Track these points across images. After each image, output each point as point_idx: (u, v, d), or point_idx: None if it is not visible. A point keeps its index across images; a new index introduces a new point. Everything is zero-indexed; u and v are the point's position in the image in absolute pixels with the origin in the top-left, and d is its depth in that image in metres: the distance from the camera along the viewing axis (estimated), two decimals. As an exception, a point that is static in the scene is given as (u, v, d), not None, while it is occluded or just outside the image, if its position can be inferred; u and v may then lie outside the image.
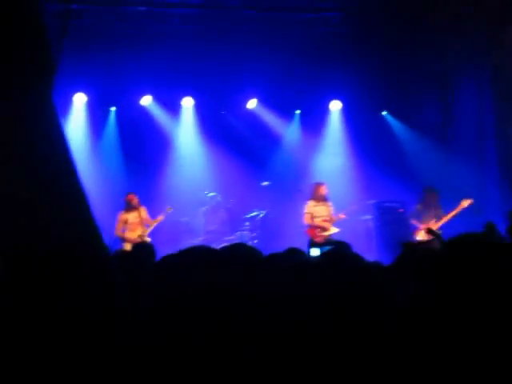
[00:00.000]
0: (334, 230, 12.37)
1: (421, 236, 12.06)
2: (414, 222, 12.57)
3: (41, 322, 1.03)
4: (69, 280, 1.04)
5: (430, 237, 11.70)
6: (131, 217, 12.02)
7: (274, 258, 3.73)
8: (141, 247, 5.88)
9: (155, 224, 12.27)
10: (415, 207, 12.81)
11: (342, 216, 12.57)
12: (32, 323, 1.00)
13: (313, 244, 11.96)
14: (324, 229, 12.29)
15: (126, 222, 11.94)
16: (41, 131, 1.10)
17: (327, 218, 12.34)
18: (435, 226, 12.01)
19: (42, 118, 1.13)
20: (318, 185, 12.51)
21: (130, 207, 12.07)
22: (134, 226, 12.01)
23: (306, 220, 12.31)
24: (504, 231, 8.22)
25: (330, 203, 12.52)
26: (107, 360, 1.09)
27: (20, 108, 1.11)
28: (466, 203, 12.13)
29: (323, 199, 12.41)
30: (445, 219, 12.10)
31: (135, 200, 12.09)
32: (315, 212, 12.34)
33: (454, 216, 12.13)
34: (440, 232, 11.41)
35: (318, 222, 12.29)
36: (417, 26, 13.70)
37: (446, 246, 2.57)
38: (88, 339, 1.06)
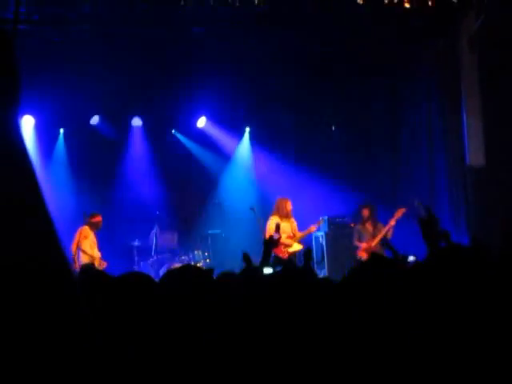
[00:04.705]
0: (298, 246, 12.11)
1: (363, 256, 11.93)
2: (356, 242, 12.46)
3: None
4: (28, 298, 1.01)
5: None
6: (92, 235, 12.18)
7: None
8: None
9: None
10: (355, 228, 12.71)
11: (313, 228, 12.46)
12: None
13: (276, 260, 11.81)
14: (287, 245, 12.00)
15: (86, 237, 12.01)
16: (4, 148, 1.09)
17: (291, 235, 12.08)
18: (373, 242, 11.98)
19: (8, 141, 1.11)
20: (283, 200, 12.24)
21: (94, 227, 12.23)
22: (95, 245, 12.18)
23: (268, 236, 12.03)
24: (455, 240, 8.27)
25: (293, 220, 12.31)
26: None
27: None
28: (400, 212, 11.92)
29: (287, 215, 12.18)
30: (382, 233, 11.97)
31: (100, 223, 12.32)
32: None
33: (392, 226, 11.96)
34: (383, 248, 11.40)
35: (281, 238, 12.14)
36: (367, 39, 13.85)
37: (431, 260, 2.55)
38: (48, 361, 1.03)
